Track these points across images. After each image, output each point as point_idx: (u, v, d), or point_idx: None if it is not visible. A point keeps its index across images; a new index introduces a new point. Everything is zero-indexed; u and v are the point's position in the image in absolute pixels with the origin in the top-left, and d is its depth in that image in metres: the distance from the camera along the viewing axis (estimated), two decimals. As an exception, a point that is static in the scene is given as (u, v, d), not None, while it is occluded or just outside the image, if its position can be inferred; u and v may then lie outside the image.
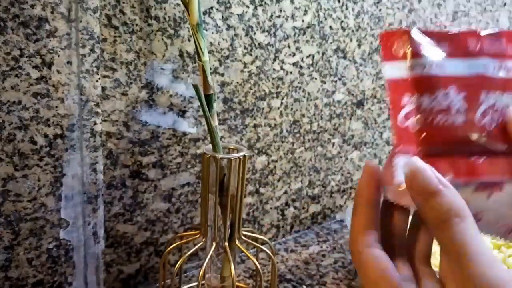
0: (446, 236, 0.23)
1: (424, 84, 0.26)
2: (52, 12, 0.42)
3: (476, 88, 0.26)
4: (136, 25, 0.50)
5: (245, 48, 0.59)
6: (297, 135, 0.69)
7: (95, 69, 0.45)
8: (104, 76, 0.49)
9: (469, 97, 0.26)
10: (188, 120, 0.56)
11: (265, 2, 0.60)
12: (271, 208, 0.70)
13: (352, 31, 0.71)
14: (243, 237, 0.49)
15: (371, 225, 0.27)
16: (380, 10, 0.74)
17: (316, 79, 0.69)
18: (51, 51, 0.42)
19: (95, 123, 0.46)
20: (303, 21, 0.65)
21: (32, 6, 0.41)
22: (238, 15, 0.57)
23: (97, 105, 0.46)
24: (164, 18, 0.51)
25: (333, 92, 0.72)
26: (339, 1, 0.68)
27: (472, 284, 0.22)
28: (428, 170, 0.24)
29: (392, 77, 0.26)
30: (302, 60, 0.66)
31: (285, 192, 0.71)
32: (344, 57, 0.72)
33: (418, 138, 0.25)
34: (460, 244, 0.23)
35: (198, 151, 0.58)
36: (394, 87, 0.26)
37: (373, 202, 0.28)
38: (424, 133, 0.25)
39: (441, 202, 0.23)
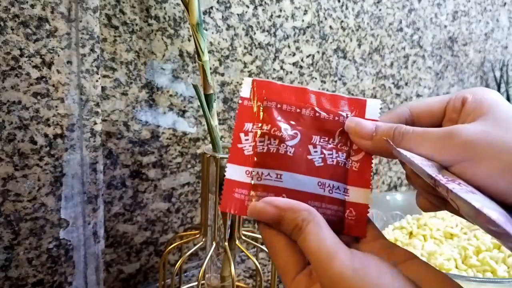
0: (300, 245, 0.27)
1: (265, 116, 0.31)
2: (52, 12, 0.42)
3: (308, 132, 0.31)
4: (136, 25, 0.50)
5: (245, 48, 0.59)
6: (297, 135, 0.69)
7: (95, 69, 0.45)
8: (104, 76, 0.49)
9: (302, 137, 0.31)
10: (188, 120, 0.56)
11: (265, 2, 0.60)
12: (271, 208, 0.69)
13: (352, 31, 0.71)
14: (243, 237, 0.49)
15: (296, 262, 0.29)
16: (380, 10, 0.74)
17: (316, 79, 0.69)
18: (51, 51, 0.42)
19: (95, 123, 0.46)
20: (303, 21, 0.65)
21: (32, 6, 0.41)
22: (238, 15, 0.57)
23: (97, 105, 0.46)
24: (164, 18, 0.51)
25: (333, 92, 0.72)
26: (339, 1, 0.68)
27: (320, 278, 0.26)
28: (268, 207, 0.28)
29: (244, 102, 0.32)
30: (302, 60, 0.66)
31: (285, 192, 0.71)
32: (344, 57, 0.72)
33: (251, 161, 0.31)
34: (305, 249, 0.27)
35: (198, 151, 0.58)
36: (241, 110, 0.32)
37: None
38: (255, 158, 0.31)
39: (285, 224, 0.28)
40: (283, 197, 0.30)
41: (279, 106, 0.31)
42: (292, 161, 0.30)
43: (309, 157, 0.30)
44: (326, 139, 0.31)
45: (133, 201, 0.54)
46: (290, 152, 0.30)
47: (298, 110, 0.31)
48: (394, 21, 0.77)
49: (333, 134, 0.31)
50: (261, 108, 0.31)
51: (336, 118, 0.31)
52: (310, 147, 0.31)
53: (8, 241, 0.44)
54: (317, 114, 0.31)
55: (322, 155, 0.31)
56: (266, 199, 0.29)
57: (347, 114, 0.32)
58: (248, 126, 0.31)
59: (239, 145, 0.31)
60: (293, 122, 0.31)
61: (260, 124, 0.31)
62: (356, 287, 0.24)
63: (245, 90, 0.32)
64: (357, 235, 0.31)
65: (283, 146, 0.30)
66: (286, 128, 0.31)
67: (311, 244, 0.26)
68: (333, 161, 0.31)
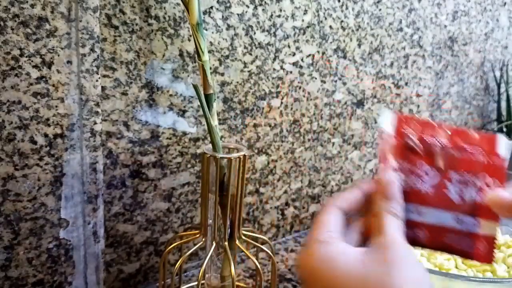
0: (376, 213, 0.32)
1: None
2: (52, 12, 0.42)
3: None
4: (136, 24, 0.50)
5: (245, 47, 0.59)
6: (297, 134, 0.69)
7: (95, 69, 0.45)
8: (104, 76, 0.49)
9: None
10: (188, 119, 0.56)
11: (265, 2, 0.60)
12: (271, 207, 0.70)
13: (352, 30, 0.71)
14: (243, 237, 0.49)
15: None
16: (380, 9, 0.74)
17: (316, 78, 0.69)
18: (51, 51, 0.42)
19: (95, 123, 0.46)
20: (303, 20, 0.65)
21: (32, 6, 0.41)
22: (238, 14, 0.57)
23: (97, 104, 0.46)
24: (164, 18, 0.51)
25: (333, 92, 0.72)
26: (339, 1, 0.68)
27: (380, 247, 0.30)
28: (394, 184, 0.33)
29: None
30: (302, 59, 0.66)
31: (285, 192, 0.71)
32: (344, 57, 0.72)
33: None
34: (379, 219, 0.32)
35: (198, 151, 0.58)
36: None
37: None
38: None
39: (381, 194, 0.32)
40: (424, 231, 0.34)
41: (419, 145, 0.34)
42: (431, 198, 0.34)
43: (446, 192, 0.34)
44: (463, 174, 0.34)
45: (133, 201, 0.54)
46: (429, 190, 0.34)
47: (436, 148, 0.34)
48: (394, 21, 0.77)
49: (468, 169, 0.34)
50: (405, 146, 0.34)
51: (471, 155, 0.34)
52: (447, 182, 0.34)
53: (8, 241, 0.44)
54: (453, 151, 0.34)
55: (459, 191, 0.34)
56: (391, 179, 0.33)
57: (481, 153, 0.34)
58: (393, 162, 0.35)
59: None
60: (432, 159, 0.34)
61: (402, 161, 0.34)
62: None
63: (387, 125, 0.35)
64: (486, 263, 0.34)
65: (423, 184, 0.34)
66: (426, 167, 0.34)
67: (387, 221, 0.31)
68: (466, 195, 0.34)
